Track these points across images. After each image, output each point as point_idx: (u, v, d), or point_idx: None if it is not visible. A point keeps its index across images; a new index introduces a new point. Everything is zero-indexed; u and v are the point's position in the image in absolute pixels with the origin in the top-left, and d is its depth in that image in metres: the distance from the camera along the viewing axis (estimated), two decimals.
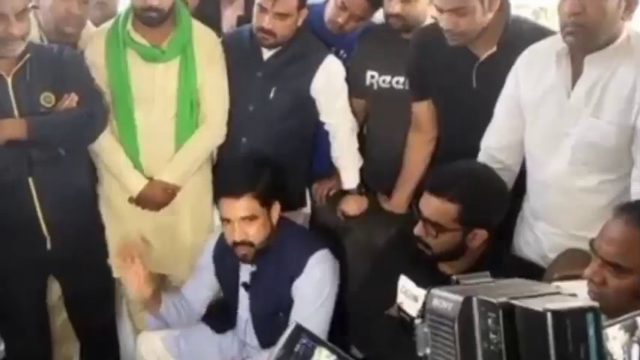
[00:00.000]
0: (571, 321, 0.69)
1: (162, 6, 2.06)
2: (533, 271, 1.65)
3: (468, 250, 1.72)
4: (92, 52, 2.17)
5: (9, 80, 1.94)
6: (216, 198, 1.99)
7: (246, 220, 1.91)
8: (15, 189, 2.00)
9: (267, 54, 2.21)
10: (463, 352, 0.80)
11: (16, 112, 1.95)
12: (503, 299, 0.75)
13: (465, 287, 0.85)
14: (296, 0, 2.10)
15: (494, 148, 1.90)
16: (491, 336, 0.76)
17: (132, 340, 2.41)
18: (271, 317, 2.02)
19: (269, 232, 1.96)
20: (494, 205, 1.73)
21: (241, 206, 1.91)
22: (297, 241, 2.03)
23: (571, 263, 1.66)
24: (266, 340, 2.06)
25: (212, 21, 2.35)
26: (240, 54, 2.22)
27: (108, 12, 2.38)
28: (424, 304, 0.89)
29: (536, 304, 0.72)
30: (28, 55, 1.95)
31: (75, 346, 2.44)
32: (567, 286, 1.33)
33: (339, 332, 2.02)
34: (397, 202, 2.23)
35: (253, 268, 2.03)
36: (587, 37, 1.62)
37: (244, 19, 2.41)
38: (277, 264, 1.98)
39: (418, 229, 1.73)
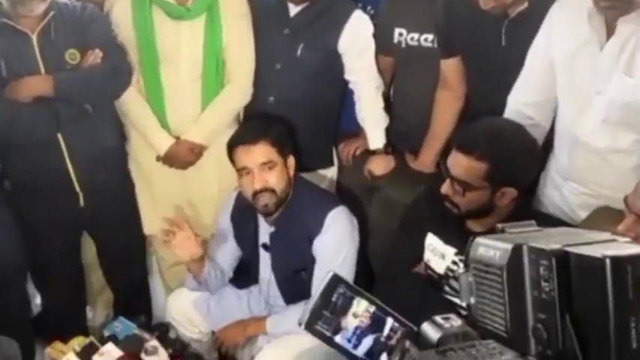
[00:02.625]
0: (632, 267, 0.67)
1: None
2: None
3: (497, 208, 1.70)
4: (118, 10, 2.16)
5: (34, 38, 1.96)
6: (231, 154, 1.98)
7: (265, 166, 1.92)
8: (45, 146, 2.03)
9: (293, 11, 2.18)
10: (512, 301, 0.79)
11: (42, 70, 1.98)
12: (556, 246, 0.74)
13: (512, 235, 0.83)
14: None
15: (523, 103, 1.87)
16: (543, 284, 0.75)
17: (163, 295, 2.47)
18: (293, 276, 2.04)
19: (287, 184, 1.96)
20: (524, 163, 1.70)
21: (259, 151, 1.91)
22: (314, 199, 2.04)
23: (603, 220, 1.64)
24: (291, 298, 2.09)
25: None
26: (266, 11, 2.21)
27: None
28: (467, 252, 0.88)
29: (592, 251, 0.71)
30: (51, 13, 1.96)
31: (109, 299, 2.52)
32: None
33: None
34: (424, 161, 2.22)
35: (272, 229, 2.04)
36: (622, 9, 1.58)
37: None
38: (295, 223, 1.99)
39: (446, 188, 1.71)
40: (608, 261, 0.68)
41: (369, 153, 2.32)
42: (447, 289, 1.70)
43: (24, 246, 2.17)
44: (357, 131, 2.36)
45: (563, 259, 0.73)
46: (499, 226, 0.89)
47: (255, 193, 1.94)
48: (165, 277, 2.51)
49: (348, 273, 1.97)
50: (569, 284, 0.73)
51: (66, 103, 2.00)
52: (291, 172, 2.00)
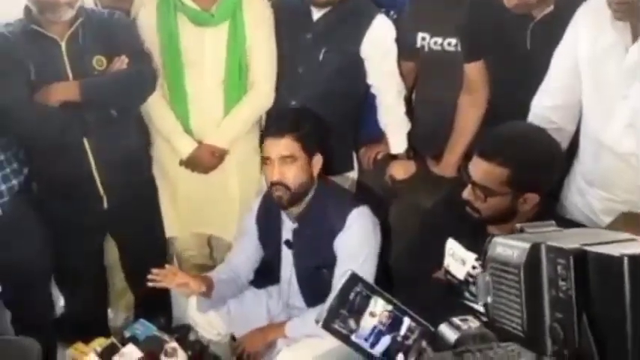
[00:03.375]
0: None
1: None
2: None
3: (519, 214, 1.69)
4: (144, 16, 2.19)
5: (63, 45, 1.99)
6: (263, 141, 2.03)
7: (286, 160, 1.94)
8: (71, 150, 2.07)
9: (316, 15, 2.19)
10: (529, 300, 0.78)
11: (70, 75, 2.01)
12: (574, 245, 0.73)
13: (530, 235, 0.83)
14: None
15: (547, 107, 1.85)
16: (560, 283, 0.74)
17: (183, 297, 2.47)
18: (315, 274, 2.05)
19: (307, 180, 1.98)
20: (545, 169, 1.68)
21: (283, 144, 1.94)
22: (337, 198, 2.05)
23: (627, 226, 1.62)
24: (311, 297, 2.09)
25: None
26: (289, 16, 2.22)
27: None
28: (485, 252, 0.88)
29: (611, 250, 0.69)
30: (80, 20, 2.00)
31: (131, 301, 2.54)
32: None
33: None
34: (446, 166, 2.21)
35: (295, 226, 2.06)
36: (632, 12, 1.56)
37: None
38: (318, 221, 2.01)
39: (467, 193, 1.70)
40: (626, 260, 0.66)
41: (390, 158, 2.32)
42: (466, 294, 1.68)
43: (48, 248, 2.20)
44: (378, 136, 2.36)
45: (581, 258, 0.72)
46: (518, 225, 0.88)
47: (272, 184, 1.98)
48: None
49: (369, 272, 1.97)
50: (587, 283, 0.72)
51: (92, 108, 2.03)
52: (316, 171, 2.02)
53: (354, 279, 1.07)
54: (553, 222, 0.87)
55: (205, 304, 2.13)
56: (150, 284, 1.96)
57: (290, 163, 1.95)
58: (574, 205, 1.89)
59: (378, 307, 1.08)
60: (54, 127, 2.00)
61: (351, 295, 1.07)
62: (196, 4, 2.14)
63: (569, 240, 0.76)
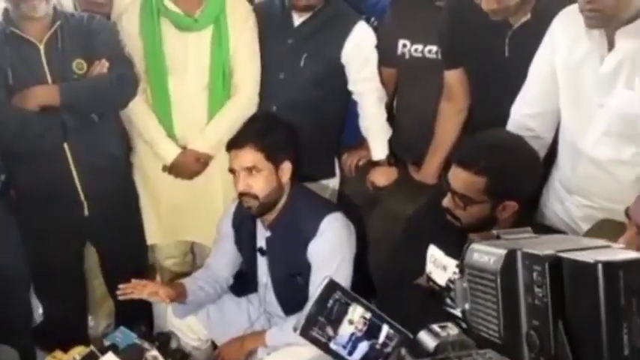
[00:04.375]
0: (624, 273, 0.67)
1: None
2: None
3: (498, 221, 1.70)
4: (127, 20, 2.18)
5: (42, 48, 1.97)
6: (227, 151, 2.03)
7: (250, 171, 1.94)
8: (52, 155, 2.04)
9: (297, 21, 2.20)
10: (505, 307, 0.79)
11: (49, 79, 1.99)
12: (549, 252, 0.74)
13: (506, 241, 0.83)
14: None
15: (526, 115, 1.86)
16: (536, 290, 0.75)
17: (164, 305, 2.45)
18: (289, 281, 2.05)
19: (274, 188, 1.98)
20: (524, 176, 1.70)
21: (244, 156, 1.95)
22: (311, 204, 2.05)
23: (606, 233, 1.63)
24: (287, 303, 2.09)
25: None
26: (271, 22, 2.22)
27: None
28: (462, 258, 0.88)
29: (585, 257, 0.70)
30: (58, 23, 1.98)
31: (111, 307, 2.52)
32: None
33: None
34: (427, 172, 2.22)
35: (268, 234, 2.05)
36: (605, 20, 1.58)
37: None
38: (291, 228, 2.01)
39: (447, 202, 1.71)
40: (600, 266, 0.67)
41: (371, 164, 2.33)
42: (448, 301, 1.68)
43: (27, 255, 2.17)
44: (359, 142, 2.36)
45: (556, 264, 0.72)
46: (494, 232, 0.89)
47: (240, 195, 1.98)
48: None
49: (344, 279, 1.97)
50: (562, 290, 0.72)
51: (72, 113, 2.01)
52: (285, 179, 2.01)
53: (333, 286, 1.07)
54: (529, 228, 0.88)
55: (180, 310, 2.13)
56: (120, 298, 1.97)
57: (255, 174, 1.95)
58: (553, 212, 1.90)
59: (357, 315, 1.07)
60: (33, 131, 1.98)
61: (330, 303, 1.07)
62: (180, 8, 2.14)
63: (545, 247, 0.77)
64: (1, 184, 2.10)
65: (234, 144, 1.98)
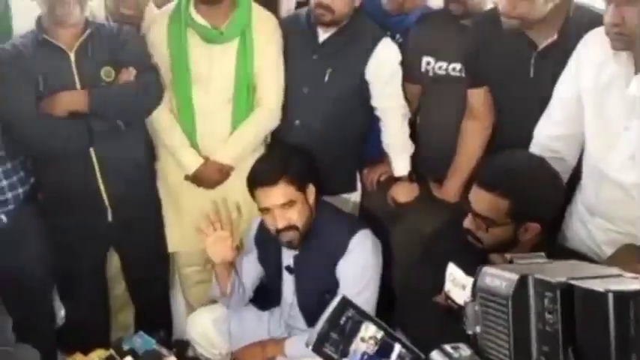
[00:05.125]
0: (634, 303, 0.67)
1: None
2: None
3: (520, 243, 1.69)
4: (155, 31, 2.22)
5: (72, 55, 2.02)
6: (251, 190, 2.00)
7: (285, 206, 1.93)
8: (77, 160, 2.08)
9: (323, 36, 2.21)
10: (516, 332, 0.79)
11: (78, 86, 2.03)
12: (561, 279, 0.74)
13: (519, 266, 0.83)
14: None
15: (549, 136, 1.85)
16: (547, 316, 0.75)
17: (184, 313, 2.49)
18: (317, 299, 2.03)
19: (309, 215, 1.99)
20: (546, 199, 1.68)
21: (278, 193, 1.93)
22: (338, 222, 2.05)
23: (628, 258, 1.61)
24: (313, 320, 2.06)
25: (271, 3, 2.37)
26: (296, 36, 2.24)
27: None
28: (475, 281, 0.88)
29: (596, 285, 0.70)
30: (89, 31, 2.03)
31: (132, 314, 2.55)
32: None
33: (384, 315, 2.02)
34: (449, 191, 2.21)
35: (296, 252, 2.05)
36: (631, 43, 1.57)
37: (304, 4, 2.43)
38: (319, 246, 2.00)
39: (468, 223, 1.70)
40: (610, 295, 0.67)
41: (393, 180, 2.33)
42: (465, 320, 1.68)
43: (51, 258, 2.22)
44: (381, 157, 2.37)
45: (567, 291, 0.73)
46: (507, 256, 0.89)
47: (279, 231, 1.96)
48: (187, 294, 2.53)
49: (371, 296, 1.97)
50: (573, 317, 0.72)
51: (99, 119, 2.04)
52: (311, 201, 2.01)
53: (345, 303, 1.08)
54: (542, 254, 0.88)
55: (217, 292, 2.14)
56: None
57: (291, 207, 1.94)
58: (576, 235, 1.88)
59: (369, 333, 1.08)
60: (60, 136, 2.02)
61: (342, 320, 1.07)
62: (207, 21, 2.17)
63: (558, 273, 0.77)
64: (30, 187, 2.14)
65: (263, 182, 1.95)
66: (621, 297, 0.67)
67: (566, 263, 0.86)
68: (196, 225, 2.11)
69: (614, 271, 0.77)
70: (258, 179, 1.98)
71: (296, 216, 1.94)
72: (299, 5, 2.47)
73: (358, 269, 1.97)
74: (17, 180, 2.09)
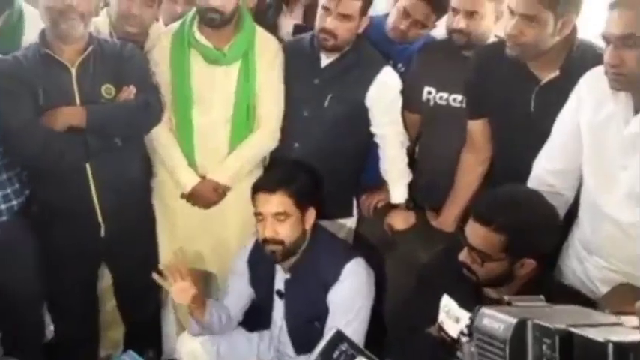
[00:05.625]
0: (635, 355, 0.66)
1: (224, 9, 2.11)
2: (579, 301, 1.60)
3: (515, 278, 1.68)
4: (158, 50, 2.23)
5: (73, 71, 2.02)
6: (253, 197, 2.02)
7: (279, 217, 1.94)
8: (73, 174, 2.08)
9: (325, 61, 2.23)
10: None
11: (78, 101, 2.03)
12: (561, 325, 0.73)
13: (518, 309, 0.83)
14: (360, 3, 2.12)
15: (548, 171, 1.85)
16: None
17: (174, 331, 2.47)
18: (306, 326, 2.03)
19: (300, 235, 1.98)
20: (543, 234, 1.67)
21: (275, 202, 1.94)
22: (333, 249, 2.04)
23: (623, 297, 1.60)
24: (301, 347, 2.06)
25: (269, 27, 2.39)
26: (299, 60, 2.26)
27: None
28: (472, 321, 0.87)
29: (596, 334, 0.70)
30: (91, 47, 2.03)
31: (121, 331, 2.53)
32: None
33: (373, 344, 2.00)
34: (445, 220, 2.21)
35: (287, 276, 2.04)
36: (630, 83, 1.58)
37: (301, 28, 2.46)
38: (312, 272, 1.99)
39: (463, 256, 1.70)
40: (610, 346, 0.67)
41: (390, 207, 2.33)
42: (458, 353, 1.66)
43: (42, 271, 2.20)
44: (379, 184, 2.37)
45: (566, 339, 0.72)
46: (506, 298, 0.89)
47: (264, 241, 1.97)
48: (178, 312, 2.51)
49: (361, 324, 1.95)
50: None
51: (96, 135, 2.04)
52: (308, 225, 2.01)
53: (339, 337, 1.07)
54: (542, 297, 0.87)
55: (195, 328, 2.13)
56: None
57: (283, 220, 1.94)
58: (571, 271, 1.87)
59: None
60: (56, 149, 2.02)
61: (335, 354, 1.06)
62: (210, 42, 2.18)
63: (557, 319, 0.76)
64: (24, 200, 2.13)
65: (264, 187, 1.98)
66: (621, 348, 0.66)
67: (566, 308, 0.85)
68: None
69: (614, 319, 0.77)
70: (259, 183, 2.01)
71: (286, 231, 1.94)
72: (296, 29, 2.49)
73: (350, 297, 1.95)
74: (12, 192, 2.08)
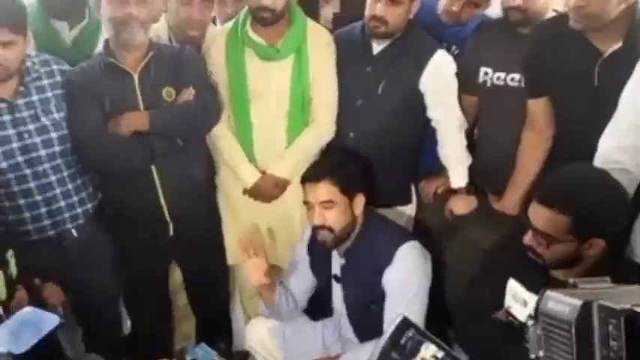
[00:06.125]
0: None
1: (275, 6, 2.13)
2: None
3: (584, 259, 1.63)
4: (214, 50, 2.28)
5: (135, 77, 2.10)
6: (302, 184, 2.06)
7: (326, 204, 1.97)
8: (140, 176, 2.16)
9: (377, 49, 2.22)
10: (580, 358, 0.77)
11: (141, 106, 2.11)
12: (625, 305, 0.72)
13: (583, 291, 0.82)
14: None
15: (614, 147, 1.78)
16: (612, 343, 0.73)
17: (243, 324, 2.54)
18: (364, 309, 2.05)
19: (349, 221, 2.00)
20: (610, 214, 1.61)
21: (320, 190, 1.97)
22: (386, 233, 2.05)
23: None
24: (362, 331, 2.09)
25: (312, 17, 2.38)
26: (350, 49, 2.26)
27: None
28: (537, 305, 0.87)
29: None
30: (151, 53, 2.10)
31: (193, 324, 2.62)
32: None
33: (438, 330, 2.00)
34: (508, 203, 2.17)
35: (343, 261, 2.07)
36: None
37: (340, 16, 2.46)
38: (366, 256, 2.01)
39: (528, 239, 1.66)
40: None
41: (450, 192, 2.30)
42: (527, 337, 1.64)
43: (118, 270, 2.30)
44: (439, 169, 2.34)
45: (632, 318, 0.71)
46: (571, 280, 0.88)
47: (315, 228, 2.02)
48: (245, 306, 2.58)
49: (419, 307, 1.96)
50: (638, 345, 0.70)
51: (159, 137, 2.11)
52: (358, 211, 2.03)
53: (406, 324, 1.08)
54: (607, 278, 0.85)
55: (265, 310, 2.22)
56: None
57: (330, 208, 1.98)
58: None
59: (429, 353, 1.08)
60: (123, 154, 2.10)
61: (403, 340, 1.08)
62: (263, 39, 2.22)
63: (622, 299, 0.75)
64: (98, 203, 2.23)
65: (309, 177, 2.03)
66: None
67: (632, 289, 0.84)
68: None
69: None
70: (306, 174, 2.06)
71: (333, 217, 1.97)
72: (335, 17, 2.49)
73: (404, 280, 1.96)
74: (86, 196, 2.18)
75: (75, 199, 2.13)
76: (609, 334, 0.73)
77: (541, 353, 0.85)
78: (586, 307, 0.76)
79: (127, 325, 2.51)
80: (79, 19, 2.28)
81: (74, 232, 2.15)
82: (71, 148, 2.08)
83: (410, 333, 1.07)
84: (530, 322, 0.88)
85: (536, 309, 0.86)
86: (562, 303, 0.81)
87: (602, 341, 0.74)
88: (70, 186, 2.11)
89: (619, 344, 0.72)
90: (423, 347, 1.08)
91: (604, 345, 0.74)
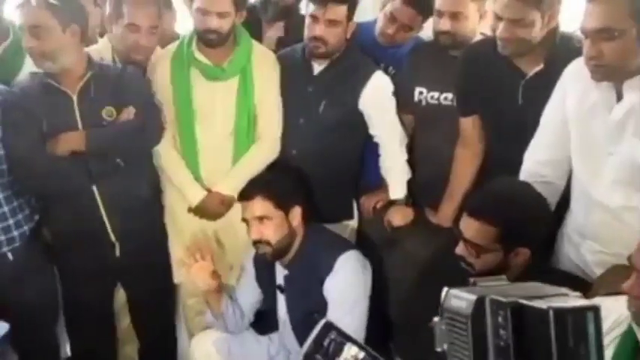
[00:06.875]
0: (572, 319, 0.73)
1: (221, 29, 2.18)
2: (578, 285, 1.64)
3: (511, 267, 1.73)
4: (159, 70, 2.31)
5: (75, 97, 2.08)
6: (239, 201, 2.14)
7: (261, 220, 2.03)
8: (81, 197, 2.13)
9: (317, 69, 2.31)
10: (476, 348, 0.85)
11: (80, 126, 2.09)
12: (512, 299, 0.80)
13: (480, 288, 0.89)
14: (345, 8, 2.20)
15: (538, 161, 1.90)
16: (501, 332, 0.81)
17: (187, 343, 2.52)
18: (307, 318, 2.07)
19: (286, 233, 2.06)
20: (534, 224, 1.73)
21: (254, 206, 2.04)
22: (327, 243, 2.11)
23: (616, 278, 1.64)
24: (305, 340, 2.10)
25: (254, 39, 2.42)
26: (293, 70, 2.33)
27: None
28: (442, 302, 0.94)
29: (541, 304, 0.76)
30: (90, 73, 2.09)
31: (136, 347, 2.56)
32: (611, 301, 1.35)
33: (380, 341, 2.06)
34: (444, 216, 2.26)
35: (286, 272, 2.12)
36: (610, 74, 1.63)
37: (284, 40, 2.54)
38: (308, 266, 2.07)
39: (460, 250, 1.75)
40: (551, 312, 0.73)
41: (389, 206, 2.38)
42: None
43: (57, 294, 2.26)
44: (378, 185, 2.43)
45: (517, 310, 0.79)
46: (471, 280, 0.95)
47: (254, 242, 2.08)
48: (190, 325, 2.56)
49: (360, 315, 2.01)
50: (523, 333, 0.78)
51: (98, 158, 2.10)
52: (295, 223, 2.08)
53: (328, 326, 1.13)
54: (504, 277, 0.94)
55: (210, 318, 2.26)
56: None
57: (266, 222, 2.04)
58: (567, 257, 1.91)
59: (351, 354, 1.13)
60: (62, 175, 2.07)
61: (326, 341, 1.13)
62: (209, 60, 2.26)
63: (512, 294, 0.83)
64: (35, 225, 2.19)
65: (243, 196, 2.09)
66: (560, 313, 0.73)
67: (523, 285, 0.92)
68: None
69: (563, 290, 0.83)
70: (241, 192, 2.13)
71: (270, 232, 2.03)
72: (279, 43, 2.57)
73: (344, 288, 2.02)
74: (23, 218, 2.13)
75: (11, 221, 2.09)
76: (499, 325, 0.81)
77: (445, 346, 0.92)
78: (479, 301, 0.84)
79: (66, 349, 2.45)
80: (2, 37, 2.26)
81: (10, 255, 2.11)
82: (7, 170, 2.05)
83: (332, 335, 1.13)
84: (435, 319, 0.95)
85: (441, 306, 0.93)
86: (461, 299, 0.88)
87: (493, 331, 0.82)
88: (5, 208, 2.07)
89: (507, 333, 0.79)
90: (345, 348, 1.14)
91: (495, 334, 0.82)
